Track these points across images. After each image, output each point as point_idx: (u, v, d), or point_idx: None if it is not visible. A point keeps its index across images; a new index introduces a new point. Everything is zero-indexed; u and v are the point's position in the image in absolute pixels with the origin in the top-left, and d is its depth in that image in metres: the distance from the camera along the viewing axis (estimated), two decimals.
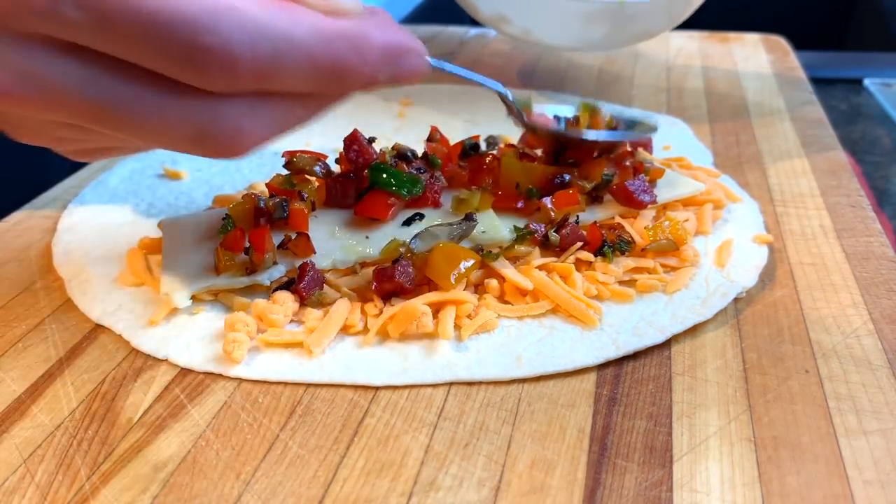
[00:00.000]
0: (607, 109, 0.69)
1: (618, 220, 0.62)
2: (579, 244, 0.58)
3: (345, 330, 0.53)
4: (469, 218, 0.58)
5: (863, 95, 1.17)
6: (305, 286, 0.55)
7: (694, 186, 0.67)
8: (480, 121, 0.89)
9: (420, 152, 0.68)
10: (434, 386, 0.49)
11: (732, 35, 1.22)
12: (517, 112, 0.63)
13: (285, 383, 0.50)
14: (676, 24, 0.94)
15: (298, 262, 0.57)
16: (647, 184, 0.63)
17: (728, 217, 0.67)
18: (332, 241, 0.59)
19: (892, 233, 0.78)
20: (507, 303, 0.56)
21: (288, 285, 0.56)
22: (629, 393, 0.48)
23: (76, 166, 0.79)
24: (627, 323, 0.54)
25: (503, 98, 0.62)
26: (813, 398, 0.47)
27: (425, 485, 0.42)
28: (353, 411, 0.47)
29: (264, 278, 0.56)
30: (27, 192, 0.75)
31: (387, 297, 0.55)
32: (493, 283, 0.56)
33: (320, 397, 0.49)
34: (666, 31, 0.97)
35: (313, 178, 0.64)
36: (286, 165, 0.63)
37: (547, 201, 0.61)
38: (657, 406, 0.47)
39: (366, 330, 0.53)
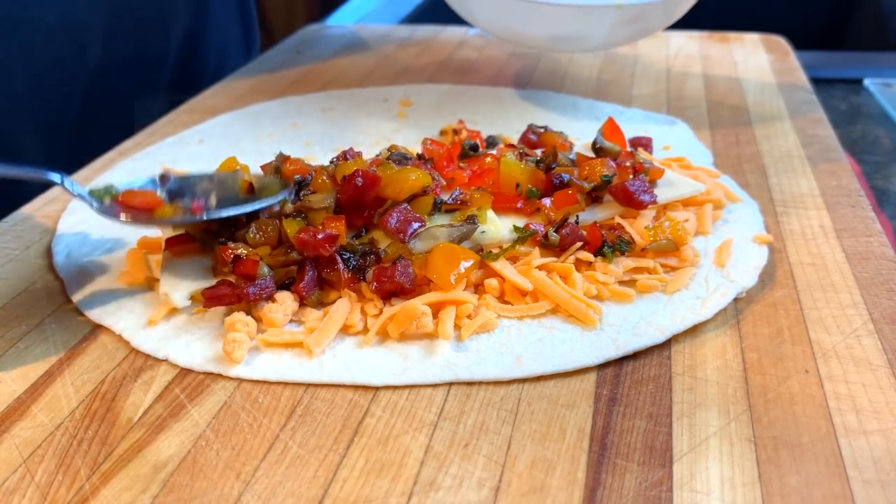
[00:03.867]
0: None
1: (618, 220, 0.62)
2: (579, 244, 0.58)
3: (345, 330, 0.53)
4: (470, 220, 0.58)
5: (863, 95, 1.16)
6: (305, 286, 0.55)
7: (694, 187, 0.67)
8: (480, 121, 0.89)
9: (419, 152, 0.68)
10: (434, 386, 0.49)
11: (732, 35, 1.22)
12: (88, 200, 0.57)
13: (285, 383, 0.50)
14: (673, 21, 0.94)
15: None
16: (647, 184, 0.63)
17: (728, 217, 0.67)
18: None
19: (892, 233, 0.78)
20: (507, 303, 0.56)
21: (288, 285, 0.56)
22: (629, 393, 0.48)
23: (69, 170, 0.79)
24: (627, 323, 0.54)
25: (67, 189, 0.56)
26: (813, 398, 0.47)
27: (425, 485, 0.42)
28: (353, 411, 0.47)
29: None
30: (26, 193, 0.75)
31: (387, 297, 0.55)
32: (493, 283, 0.56)
33: (320, 397, 0.49)
34: (664, 28, 0.97)
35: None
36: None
37: (546, 202, 0.61)
38: (657, 406, 0.47)
39: (366, 330, 0.53)
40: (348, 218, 0.58)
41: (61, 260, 0.62)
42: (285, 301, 0.54)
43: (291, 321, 0.55)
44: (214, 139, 0.86)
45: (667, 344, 0.52)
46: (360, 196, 0.57)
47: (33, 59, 0.65)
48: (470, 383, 0.49)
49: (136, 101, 1.03)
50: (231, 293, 0.53)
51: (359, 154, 0.64)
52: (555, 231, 0.59)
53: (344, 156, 0.64)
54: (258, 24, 1.31)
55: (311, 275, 0.55)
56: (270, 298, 0.54)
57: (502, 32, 0.96)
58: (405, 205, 0.57)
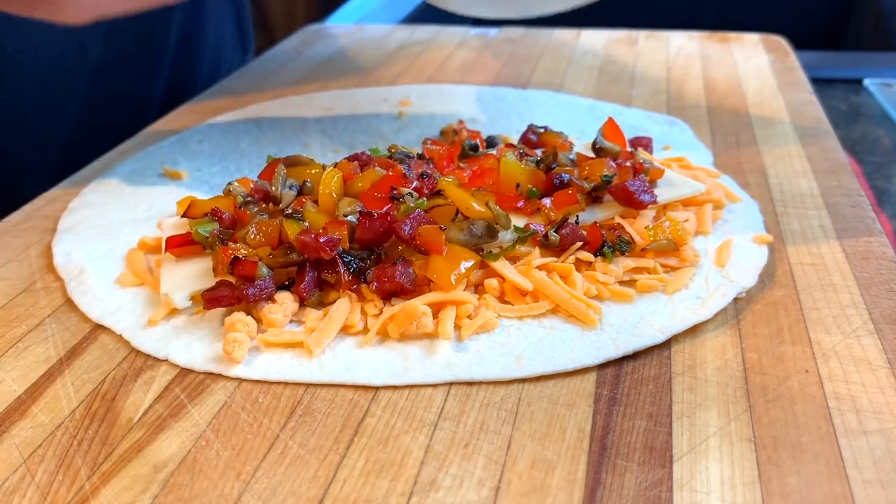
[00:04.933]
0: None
1: (618, 220, 0.62)
2: (579, 244, 0.58)
3: (345, 330, 0.53)
4: (491, 232, 0.57)
5: (863, 95, 1.16)
6: (306, 287, 0.55)
7: (694, 187, 0.67)
8: (480, 121, 0.89)
9: (420, 152, 0.68)
10: (434, 386, 0.49)
11: (732, 35, 1.22)
12: None
13: (285, 383, 0.50)
14: None
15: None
16: (647, 184, 0.63)
17: (728, 217, 0.67)
18: None
19: (892, 233, 0.78)
20: (507, 303, 0.56)
21: (288, 286, 0.56)
22: (629, 393, 0.48)
23: (68, 171, 0.79)
24: (627, 323, 0.54)
25: None
26: (813, 398, 0.47)
27: (425, 485, 0.42)
28: (353, 411, 0.47)
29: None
30: (26, 193, 0.75)
31: (387, 297, 0.55)
32: (493, 283, 0.56)
33: (320, 397, 0.49)
34: None
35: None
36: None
37: (546, 202, 0.61)
38: (657, 406, 0.47)
39: (366, 330, 0.53)
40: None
41: (61, 260, 0.62)
42: (285, 301, 0.54)
43: (291, 321, 0.55)
44: (214, 139, 0.86)
45: (667, 344, 0.52)
46: (380, 236, 0.56)
47: (38, 54, 0.66)
48: (470, 383, 0.49)
49: (136, 101, 1.04)
50: (230, 294, 0.53)
51: (369, 158, 0.64)
52: (555, 231, 0.59)
53: (354, 157, 0.64)
54: (258, 25, 1.31)
55: (312, 276, 0.55)
56: (270, 299, 0.54)
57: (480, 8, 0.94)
58: (418, 211, 0.57)
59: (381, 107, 0.94)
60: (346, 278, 0.55)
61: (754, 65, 1.09)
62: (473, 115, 0.90)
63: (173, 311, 0.56)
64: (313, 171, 0.64)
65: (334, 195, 0.60)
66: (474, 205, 0.58)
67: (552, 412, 0.47)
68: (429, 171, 0.64)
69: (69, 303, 0.58)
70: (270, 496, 0.41)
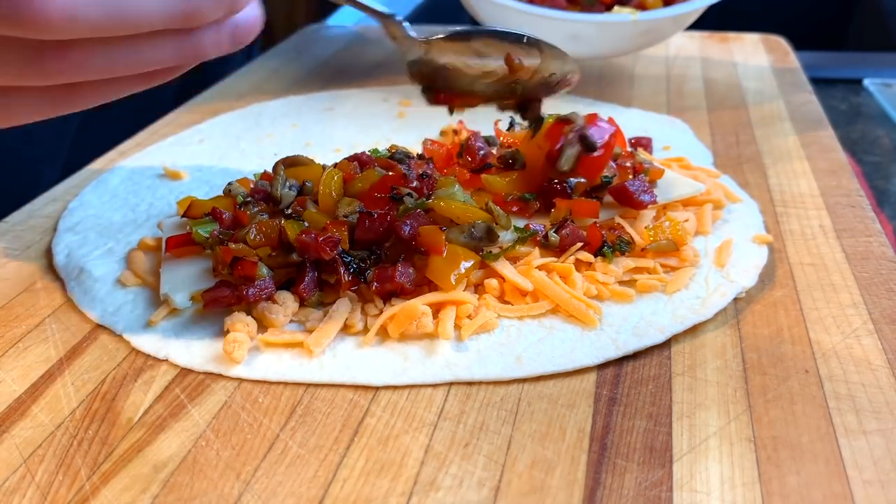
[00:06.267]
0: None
1: (618, 220, 0.62)
2: (579, 244, 0.58)
3: (345, 330, 0.53)
4: (490, 236, 0.57)
5: (863, 95, 1.16)
6: (306, 287, 0.55)
7: (694, 187, 0.67)
8: (480, 121, 0.89)
9: (420, 152, 0.68)
10: (434, 386, 0.49)
11: (732, 35, 1.22)
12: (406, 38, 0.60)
13: (285, 383, 0.50)
14: (682, 29, 0.98)
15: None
16: (647, 184, 0.63)
17: (728, 217, 0.67)
18: None
19: (892, 233, 0.78)
20: (507, 303, 0.56)
21: (288, 285, 0.56)
22: (629, 393, 0.48)
23: (70, 169, 0.79)
24: (627, 323, 0.54)
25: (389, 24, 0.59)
26: (813, 398, 0.48)
27: (425, 485, 0.42)
28: (353, 411, 0.47)
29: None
30: (26, 193, 0.75)
31: (387, 297, 0.55)
32: (493, 283, 0.56)
33: (320, 397, 0.49)
34: (672, 35, 1.01)
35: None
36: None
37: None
38: (657, 406, 0.47)
39: (366, 330, 0.53)
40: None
41: (61, 260, 0.62)
42: (285, 301, 0.54)
43: (291, 321, 0.55)
44: (214, 139, 0.86)
45: (667, 344, 0.52)
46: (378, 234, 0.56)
47: None
48: (470, 383, 0.49)
49: (137, 101, 1.03)
50: (230, 295, 0.53)
51: (369, 158, 0.64)
52: (555, 231, 0.59)
53: (354, 157, 0.64)
54: None
55: (312, 276, 0.55)
56: (270, 299, 0.54)
57: None
58: (418, 211, 0.57)
59: (381, 107, 0.94)
60: (346, 278, 0.55)
61: (754, 65, 1.09)
62: (473, 116, 0.90)
63: (173, 311, 0.56)
64: (313, 171, 0.64)
65: (334, 195, 0.59)
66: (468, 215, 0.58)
67: (552, 412, 0.47)
68: (429, 171, 0.64)
69: (69, 303, 0.58)
70: (270, 496, 0.41)
